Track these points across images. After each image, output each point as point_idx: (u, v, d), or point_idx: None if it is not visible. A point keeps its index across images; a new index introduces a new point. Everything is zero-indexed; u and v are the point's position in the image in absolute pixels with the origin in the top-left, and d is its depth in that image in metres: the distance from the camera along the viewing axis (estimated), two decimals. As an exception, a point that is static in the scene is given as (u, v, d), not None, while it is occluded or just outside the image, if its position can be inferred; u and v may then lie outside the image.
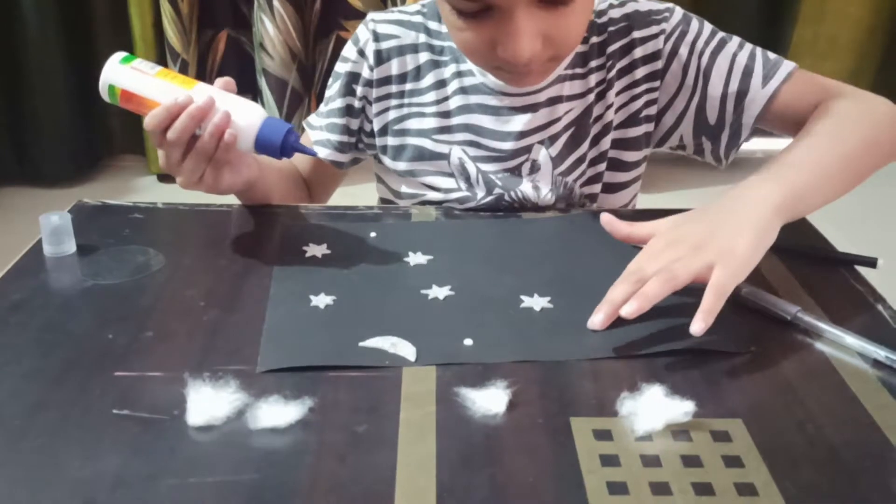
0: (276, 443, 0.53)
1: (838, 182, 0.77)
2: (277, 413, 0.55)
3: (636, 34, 0.90)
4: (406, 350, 0.63)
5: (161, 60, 2.24)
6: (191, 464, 0.51)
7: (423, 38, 0.92)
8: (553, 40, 0.75)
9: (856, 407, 0.59)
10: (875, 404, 0.59)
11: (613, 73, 0.91)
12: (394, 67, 0.92)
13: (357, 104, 0.94)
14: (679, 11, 0.91)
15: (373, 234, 0.82)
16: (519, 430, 0.55)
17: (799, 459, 0.53)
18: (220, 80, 0.77)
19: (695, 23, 0.90)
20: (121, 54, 0.78)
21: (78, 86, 2.29)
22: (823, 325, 0.67)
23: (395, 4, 2.14)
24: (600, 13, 0.91)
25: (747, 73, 0.88)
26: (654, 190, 2.09)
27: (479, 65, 0.85)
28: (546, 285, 0.73)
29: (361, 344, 0.64)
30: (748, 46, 0.90)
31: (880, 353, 0.63)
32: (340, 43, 2.28)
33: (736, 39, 0.90)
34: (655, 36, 0.89)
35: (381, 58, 0.92)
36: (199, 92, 0.75)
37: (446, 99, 0.91)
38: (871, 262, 0.77)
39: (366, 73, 0.93)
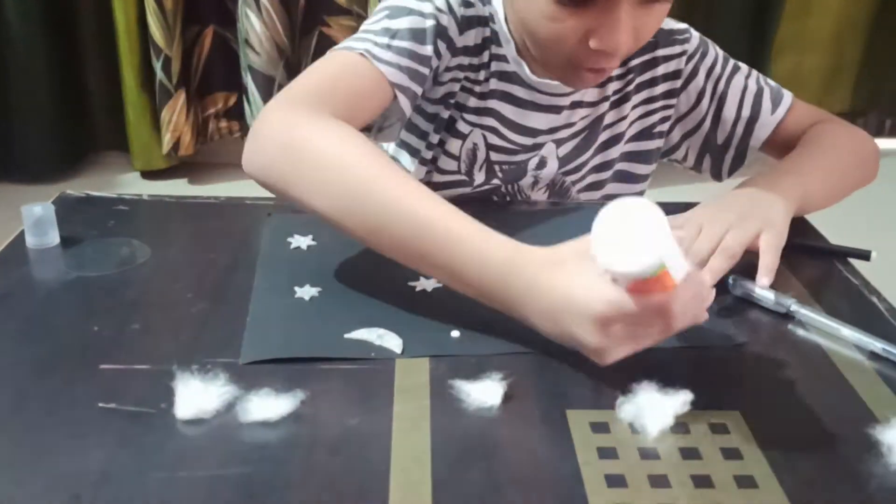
0: (267, 436, 0.52)
1: (835, 191, 0.85)
2: (268, 406, 0.54)
3: (660, 52, 0.91)
4: (392, 342, 0.62)
5: (145, 56, 2.22)
6: (180, 458, 0.50)
7: (486, 11, 0.85)
8: (638, 36, 0.75)
9: (853, 399, 0.58)
10: (873, 396, 0.58)
11: (632, 86, 0.91)
12: (471, 38, 0.85)
13: (436, 62, 0.82)
14: (696, 34, 0.93)
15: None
16: (515, 423, 0.54)
17: (798, 452, 0.53)
18: None
19: (711, 47, 0.94)
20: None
21: (61, 82, 2.25)
22: (819, 318, 0.66)
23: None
24: None
25: (758, 99, 0.92)
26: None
27: (551, 60, 0.79)
28: None
29: (347, 336, 0.63)
30: (754, 73, 0.94)
31: (877, 344, 0.63)
32: (324, 39, 2.26)
33: (744, 66, 0.94)
34: (679, 56, 0.91)
35: (466, 24, 0.84)
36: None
37: (487, 80, 0.87)
38: (865, 255, 0.77)
39: (452, 34, 0.83)
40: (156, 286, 0.70)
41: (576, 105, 0.90)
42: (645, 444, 0.53)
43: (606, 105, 0.91)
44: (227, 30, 2.31)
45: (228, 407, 0.54)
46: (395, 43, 0.79)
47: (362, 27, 0.82)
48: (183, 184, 2.38)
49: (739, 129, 0.93)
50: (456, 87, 0.87)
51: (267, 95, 2.24)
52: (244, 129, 2.38)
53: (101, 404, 0.54)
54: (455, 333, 0.64)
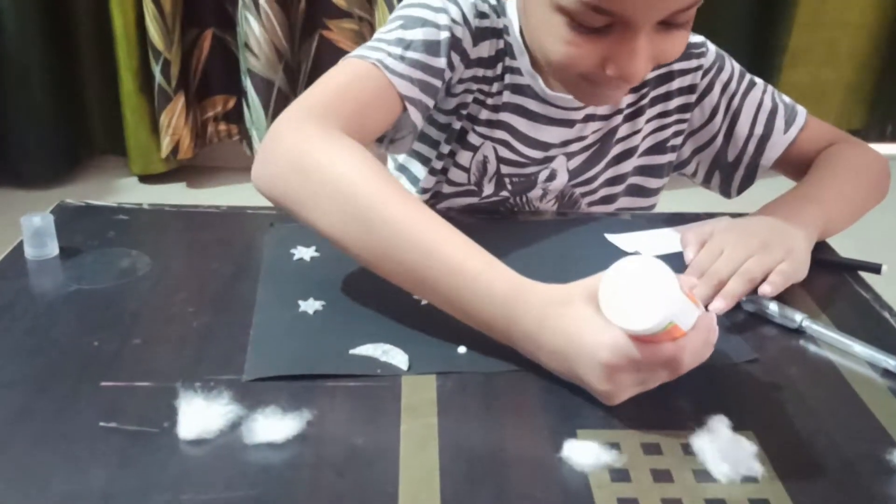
0: (273, 457, 0.51)
1: (853, 216, 0.85)
2: (273, 426, 0.52)
3: (676, 66, 0.90)
4: (398, 358, 0.61)
5: (143, 59, 2.21)
6: (183, 479, 0.49)
7: (500, 23, 0.84)
8: (656, 61, 0.73)
9: (868, 418, 0.57)
10: (887, 414, 0.57)
11: (647, 100, 0.90)
12: (485, 50, 0.84)
13: (448, 74, 0.81)
14: (713, 48, 0.92)
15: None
16: (524, 443, 0.53)
17: (813, 473, 0.52)
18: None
19: (727, 62, 0.92)
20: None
21: (58, 85, 2.24)
22: (831, 334, 0.65)
23: (388, 5, 2.12)
24: None
25: (772, 117, 0.91)
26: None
27: (566, 77, 0.76)
28: None
29: (352, 351, 0.62)
30: (769, 89, 0.93)
31: (890, 362, 0.62)
32: (324, 43, 2.25)
33: (760, 81, 0.93)
34: (695, 70, 0.90)
35: (480, 36, 0.83)
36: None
37: (500, 93, 0.86)
38: (876, 269, 0.76)
39: (467, 45, 0.82)
40: (157, 299, 0.69)
41: (588, 118, 0.88)
42: (657, 466, 0.51)
43: (619, 118, 0.90)
44: (226, 33, 2.30)
45: (233, 426, 0.53)
46: (409, 54, 0.77)
47: (376, 35, 0.81)
48: (181, 188, 2.37)
49: (751, 147, 0.92)
50: (469, 98, 0.86)
51: (266, 99, 2.23)
52: (243, 133, 2.37)
53: (101, 423, 0.53)
54: (462, 349, 0.63)
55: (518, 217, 0.86)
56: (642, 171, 0.95)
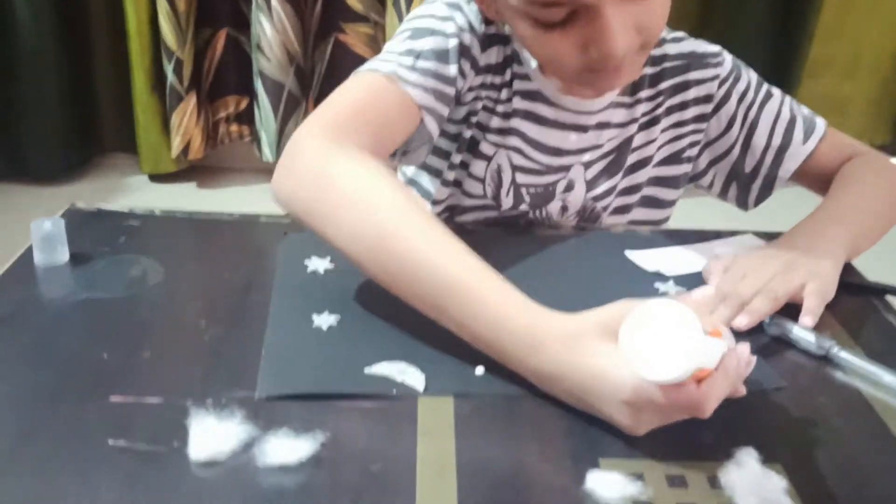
0: (286, 481, 0.49)
1: (879, 233, 0.83)
2: (287, 448, 0.51)
3: (692, 75, 0.89)
4: (415, 378, 0.59)
5: (156, 58, 2.20)
6: (193, 502, 0.47)
7: (508, 29, 0.83)
8: (643, 28, 0.71)
9: (899, 452, 0.55)
10: (919, 450, 0.56)
11: (662, 109, 0.89)
12: (493, 56, 0.83)
13: (461, 83, 0.81)
14: (730, 57, 0.91)
15: (380, 249, 0.78)
16: (545, 471, 0.52)
17: (844, 511, 0.50)
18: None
19: (744, 72, 0.91)
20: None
21: (70, 83, 2.23)
22: (859, 362, 0.63)
23: (396, 6, 2.10)
24: (660, 42, 0.89)
25: (790, 128, 0.89)
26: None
27: (564, 75, 0.78)
28: (561, 308, 0.69)
29: (367, 370, 0.60)
30: (787, 100, 0.91)
31: (921, 393, 0.60)
32: (339, 46, 2.24)
33: (777, 92, 0.91)
34: (711, 80, 0.89)
35: (488, 43, 0.83)
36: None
37: (510, 100, 0.85)
38: (905, 294, 0.74)
39: (475, 53, 0.81)
40: (168, 310, 0.67)
41: (603, 126, 0.87)
42: (683, 500, 0.50)
43: (635, 127, 0.89)
44: (240, 33, 2.29)
45: (245, 447, 0.51)
46: (420, 64, 0.77)
47: (385, 48, 0.80)
48: (192, 187, 2.36)
49: (769, 159, 0.90)
50: (478, 105, 0.85)
51: (276, 102, 2.22)
52: (255, 134, 2.35)
53: (110, 441, 0.51)
54: (479, 370, 0.61)
55: (536, 231, 0.85)
56: (657, 181, 0.93)
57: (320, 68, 2.29)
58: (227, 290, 0.71)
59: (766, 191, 0.92)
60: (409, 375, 0.60)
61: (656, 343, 0.51)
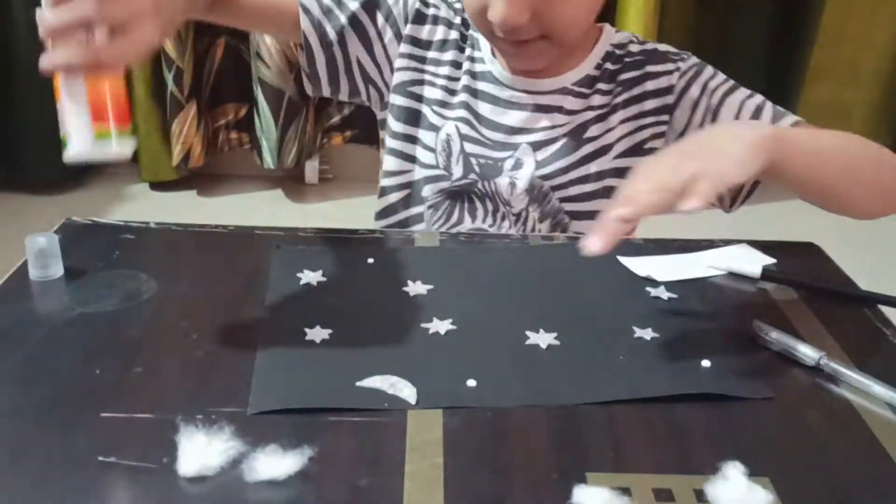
0: (274, 497, 0.50)
1: (829, 174, 0.78)
2: (275, 464, 0.51)
3: (650, 68, 0.93)
4: (406, 391, 0.60)
5: (156, 67, 2.21)
6: (181, 519, 0.48)
7: (458, 20, 0.96)
8: (543, 18, 0.81)
9: (888, 468, 0.55)
10: (908, 462, 0.56)
11: (619, 99, 0.93)
12: (424, 33, 0.95)
13: (371, 31, 0.95)
14: (695, 58, 0.94)
15: (370, 261, 0.78)
16: (533, 486, 0.52)
17: (832, 524, 0.50)
18: None
19: (709, 67, 0.93)
20: None
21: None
22: (849, 373, 0.63)
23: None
24: (621, 45, 0.95)
25: (756, 113, 0.89)
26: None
27: (484, 33, 0.88)
28: (552, 319, 0.69)
29: (359, 384, 0.60)
30: (757, 95, 0.91)
31: (911, 405, 0.60)
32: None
33: (746, 89, 0.91)
34: (669, 72, 0.92)
35: (418, 18, 0.95)
36: None
37: (457, 79, 0.95)
38: (896, 303, 0.74)
39: (399, 19, 0.95)
40: (161, 324, 0.68)
41: (553, 109, 0.92)
42: (670, 514, 0.50)
43: (589, 115, 0.92)
44: (238, 41, 2.30)
45: (234, 463, 0.52)
46: None
47: None
48: (192, 195, 2.37)
49: None
50: (416, 76, 0.95)
51: (276, 109, 2.23)
52: (254, 141, 2.36)
53: (100, 458, 0.52)
54: (471, 383, 0.61)
55: (530, 242, 0.85)
56: (618, 172, 0.93)
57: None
58: (220, 303, 0.71)
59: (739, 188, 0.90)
60: (401, 388, 0.60)
61: None
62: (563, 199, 0.94)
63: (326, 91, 0.98)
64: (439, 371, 0.62)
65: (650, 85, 0.92)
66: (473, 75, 0.95)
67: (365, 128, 2.45)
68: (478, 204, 0.95)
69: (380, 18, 0.94)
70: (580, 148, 0.93)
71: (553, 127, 0.92)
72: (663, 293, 0.75)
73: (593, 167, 0.93)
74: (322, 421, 0.56)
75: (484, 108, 0.94)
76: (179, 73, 2.17)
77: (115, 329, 0.66)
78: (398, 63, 0.95)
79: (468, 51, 0.95)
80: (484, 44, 0.94)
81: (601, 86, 0.93)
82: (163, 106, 2.24)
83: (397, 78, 0.96)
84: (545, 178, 0.93)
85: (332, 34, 0.93)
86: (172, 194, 2.36)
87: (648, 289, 0.76)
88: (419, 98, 0.96)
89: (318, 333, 0.66)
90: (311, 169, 2.48)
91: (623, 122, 0.93)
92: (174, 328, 0.67)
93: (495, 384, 0.61)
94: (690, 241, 0.86)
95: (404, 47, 0.95)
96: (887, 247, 0.84)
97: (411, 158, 0.97)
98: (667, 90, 0.92)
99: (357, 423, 0.56)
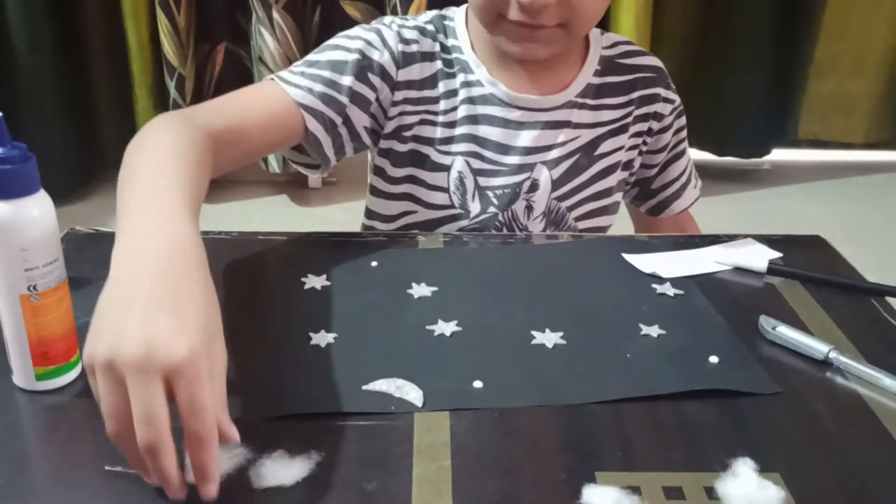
0: (281, 503, 0.49)
1: None
2: (282, 470, 0.51)
3: (661, 91, 0.94)
4: (412, 394, 0.59)
5: (158, 74, 2.21)
6: (188, 528, 0.48)
7: (437, 46, 0.91)
8: (568, 4, 0.79)
9: (899, 458, 0.55)
10: (920, 455, 0.55)
11: (632, 118, 0.93)
12: (415, 73, 0.89)
13: (370, 95, 0.87)
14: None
15: (374, 264, 0.78)
16: (542, 487, 0.51)
17: (844, 519, 0.50)
18: None
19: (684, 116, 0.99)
20: None
21: (72, 101, 2.24)
22: (859, 366, 0.63)
23: (394, 14, 2.11)
24: (627, 53, 0.94)
25: (689, 179, 1.02)
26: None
27: (489, 24, 0.84)
28: (558, 318, 0.69)
29: (365, 387, 0.60)
30: (688, 154, 1.02)
31: (922, 397, 0.59)
32: (339, 56, 2.24)
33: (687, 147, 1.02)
34: (670, 102, 0.96)
35: (407, 60, 0.89)
36: None
37: (454, 109, 0.90)
38: (905, 295, 0.73)
39: (389, 69, 0.87)
40: (165, 331, 0.67)
41: (561, 125, 0.90)
42: (681, 512, 0.50)
43: (601, 130, 0.92)
44: (239, 46, 2.30)
45: (241, 470, 0.51)
46: (310, 70, 0.85)
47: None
48: (195, 202, 2.36)
49: (675, 187, 1.00)
50: (411, 119, 0.90)
51: (280, 113, 2.22)
52: (257, 147, 2.36)
53: (107, 467, 0.52)
54: (478, 384, 0.61)
55: (534, 241, 0.85)
56: (620, 186, 0.97)
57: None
58: (225, 310, 0.70)
59: (654, 212, 1.02)
60: (407, 391, 0.60)
61: None
62: (577, 218, 0.95)
63: (334, 163, 0.90)
64: (445, 373, 0.62)
65: (656, 107, 0.95)
66: (472, 100, 0.89)
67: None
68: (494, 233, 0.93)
69: (374, 80, 0.87)
70: (593, 164, 0.93)
71: (566, 143, 0.91)
72: (669, 290, 0.74)
73: (606, 183, 0.94)
74: (328, 425, 0.56)
75: (493, 133, 0.89)
76: (181, 79, 2.17)
77: (119, 337, 0.66)
78: (393, 110, 0.89)
79: (460, 76, 0.90)
80: (477, 66, 0.89)
81: (610, 100, 0.92)
82: (165, 113, 2.25)
83: (392, 125, 0.90)
84: (560, 198, 0.93)
85: (337, 119, 0.86)
86: (176, 201, 2.36)
87: (654, 286, 0.75)
88: (419, 140, 0.91)
89: (323, 338, 0.66)
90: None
91: (630, 137, 0.94)
92: (179, 335, 0.67)
93: (502, 385, 0.61)
94: (695, 236, 0.86)
95: (398, 94, 0.89)
96: (894, 239, 0.84)
97: (416, 201, 0.93)
98: (659, 117, 0.95)
99: (364, 426, 0.56)
